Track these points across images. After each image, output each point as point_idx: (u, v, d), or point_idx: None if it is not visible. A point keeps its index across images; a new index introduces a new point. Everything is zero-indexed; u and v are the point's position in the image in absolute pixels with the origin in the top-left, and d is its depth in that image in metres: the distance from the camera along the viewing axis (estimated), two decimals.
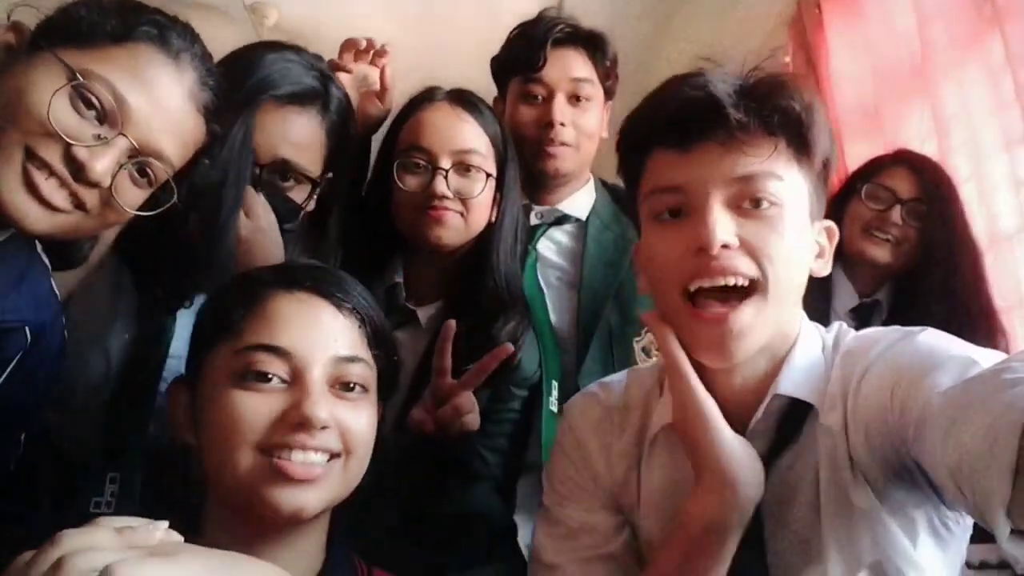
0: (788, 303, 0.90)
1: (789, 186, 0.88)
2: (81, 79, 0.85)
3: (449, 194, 1.32)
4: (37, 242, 0.95)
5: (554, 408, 1.41)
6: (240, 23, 3.08)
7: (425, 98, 1.40)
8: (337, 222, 1.35)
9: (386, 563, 0.99)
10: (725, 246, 0.84)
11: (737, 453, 0.86)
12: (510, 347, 1.23)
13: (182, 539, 0.63)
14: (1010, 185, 1.75)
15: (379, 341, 0.96)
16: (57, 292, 0.99)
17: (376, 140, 1.50)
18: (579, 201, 1.70)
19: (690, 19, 2.99)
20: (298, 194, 1.25)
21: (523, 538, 1.45)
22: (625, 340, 1.53)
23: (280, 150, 1.20)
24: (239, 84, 1.15)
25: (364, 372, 0.92)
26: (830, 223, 0.96)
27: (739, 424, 0.90)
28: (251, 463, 0.83)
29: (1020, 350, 0.77)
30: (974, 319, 1.61)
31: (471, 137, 1.36)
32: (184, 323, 1.16)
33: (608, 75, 1.67)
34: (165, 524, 0.62)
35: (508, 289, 1.39)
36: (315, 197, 1.26)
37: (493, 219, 1.40)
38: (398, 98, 1.52)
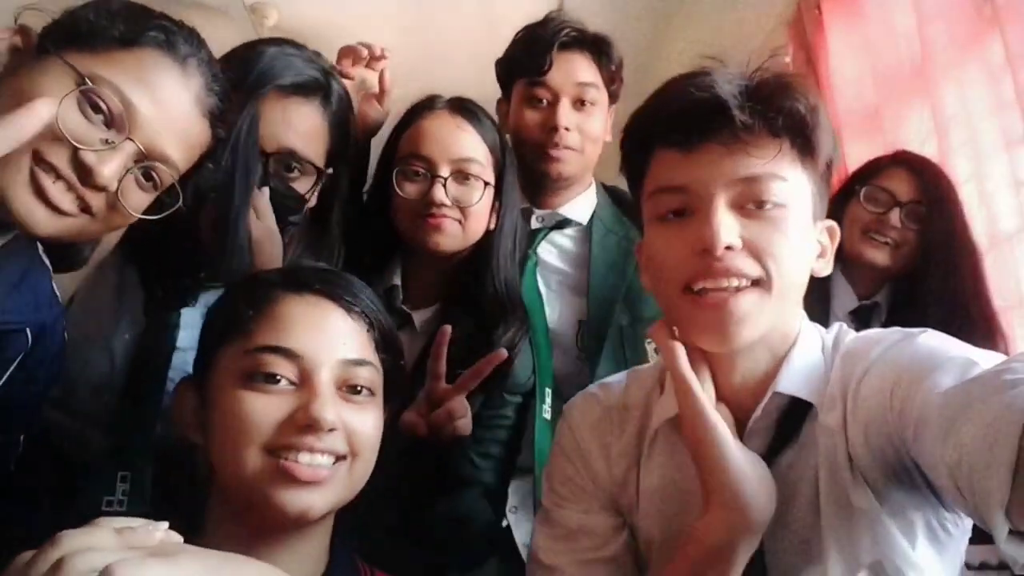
0: (790, 301, 0.90)
1: (793, 187, 0.88)
2: (89, 84, 0.86)
3: (447, 202, 1.33)
4: (39, 244, 0.95)
5: (547, 416, 1.42)
6: (240, 23, 3.08)
7: (425, 106, 1.41)
8: (338, 220, 1.35)
9: (387, 564, 0.99)
10: (729, 247, 0.84)
11: (748, 476, 0.84)
12: (504, 353, 1.24)
13: (182, 540, 0.63)
14: (1010, 185, 1.74)
15: (386, 345, 0.96)
16: (58, 293, 0.99)
17: (376, 143, 1.50)
18: (581, 205, 1.70)
19: (689, 20, 2.99)
20: (302, 185, 1.26)
21: (520, 537, 1.46)
22: (637, 340, 1.54)
23: (286, 139, 1.22)
24: (242, 77, 1.16)
25: (371, 375, 0.92)
26: (832, 223, 0.97)
27: (739, 422, 0.90)
28: (258, 464, 0.84)
29: (1020, 351, 0.76)
30: (973, 321, 1.60)
31: (470, 146, 1.37)
32: (189, 320, 1.17)
33: (613, 79, 1.66)
34: (165, 525, 0.63)
35: (508, 295, 1.40)
36: (318, 189, 1.27)
37: (492, 226, 1.41)
38: (396, 101, 1.53)
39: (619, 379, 1.11)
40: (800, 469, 0.90)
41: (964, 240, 1.67)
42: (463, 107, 1.41)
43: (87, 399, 1.13)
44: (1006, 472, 0.62)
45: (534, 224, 1.67)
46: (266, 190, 1.20)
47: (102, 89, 0.87)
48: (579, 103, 1.62)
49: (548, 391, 1.44)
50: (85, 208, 0.88)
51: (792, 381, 0.90)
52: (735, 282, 0.85)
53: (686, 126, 0.88)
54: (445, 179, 1.34)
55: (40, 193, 0.84)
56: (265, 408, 0.85)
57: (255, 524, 0.86)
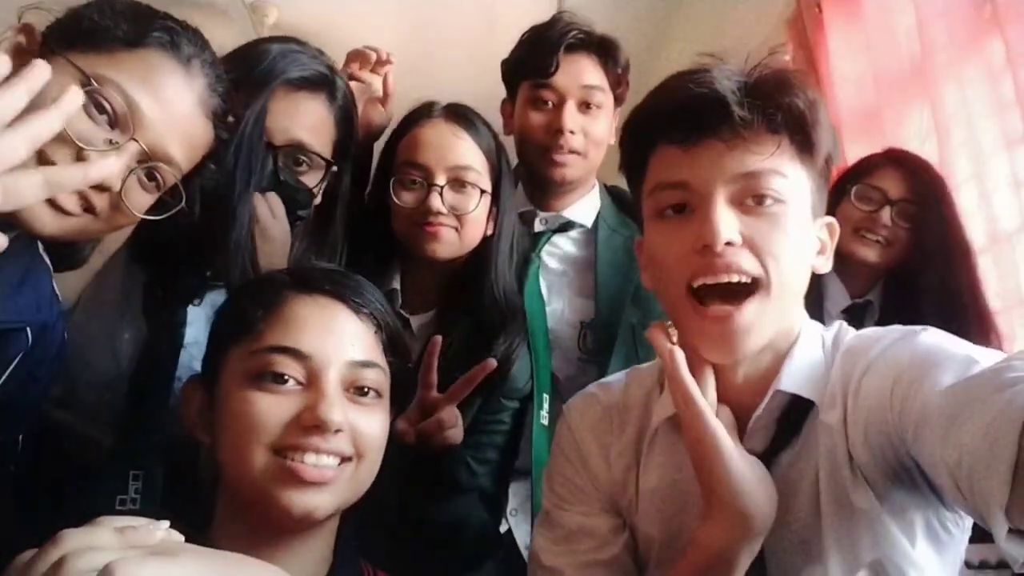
0: (790, 299, 0.90)
1: (792, 183, 0.88)
2: (95, 84, 0.86)
3: (444, 210, 1.34)
4: (39, 243, 0.95)
5: (544, 422, 1.42)
6: (240, 22, 3.08)
7: (422, 114, 1.41)
8: (341, 218, 1.36)
9: (391, 565, 0.99)
10: (729, 243, 0.84)
11: (749, 482, 0.84)
12: (494, 362, 1.24)
13: (183, 539, 0.63)
14: (1010, 185, 1.74)
15: (394, 347, 0.97)
16: (59, 293, 0.99)
17: (378, 147, 1.50)
18: (585, 207, 1.69)
19: (689, 20, 2.99)
20: (311, 179, 1.27)
21: (521, 539, 1.46)
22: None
23: (294, 132, 1.23)
24: (247, 73, 1.17)
25: (378, 377, 0.93)
26: (831, 219, 0.97)
27: (740, 421, 0.90)
28: (264, 463, 0.84)
29: (1021, 349, 0.76)
30: (968, 318, 1.61)
31: (466, 154, 1.37)
32: (193, 317, 1.18)
33: (619, 82, 1.66)
34: (166, 524, 0.63)
35: (506, 302, 1.40)
36: (324, 184, 1.28)
37: (489, 232, 1.42)
38: (394, 104, 1.53)
39: (618, 378, 1.11)
40: (801, 468, 0.90)
41: (957, 237, 1.67)
42: (459, 114, 1.41)
43: (94, 399, 1.13)
44: (1006, 471, 0.62)
45: (538, 227, 1.67)
46: (274, 194, 1.21)
47: (107, 90, 0.87)
48: (584, 106, 1.61)
49: (546, 397, 1.44)
50: (88, 208, 0.88)
51: (793, 379, 0.90)
52: (735, 278, 0.85)
53: (685, 123, 0.88)
54: (441, 187, 1.34)
55: None
56: (272, 408, 0.85)
57: (261, 524, 0.86)
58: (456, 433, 1.23)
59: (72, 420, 1.12)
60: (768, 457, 0.90)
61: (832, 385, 0.90)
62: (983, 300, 1.65)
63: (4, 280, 0.90)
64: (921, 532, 0.85)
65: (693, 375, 0.92)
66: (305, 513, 0.84)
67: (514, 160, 1.62)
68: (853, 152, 2.18)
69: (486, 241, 1.42)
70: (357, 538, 0.97)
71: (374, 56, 1.52)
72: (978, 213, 1.80)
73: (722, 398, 0.91)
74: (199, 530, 0.70)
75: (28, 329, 0.92)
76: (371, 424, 0.90)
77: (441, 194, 1.34)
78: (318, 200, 1.30)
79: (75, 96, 0.80)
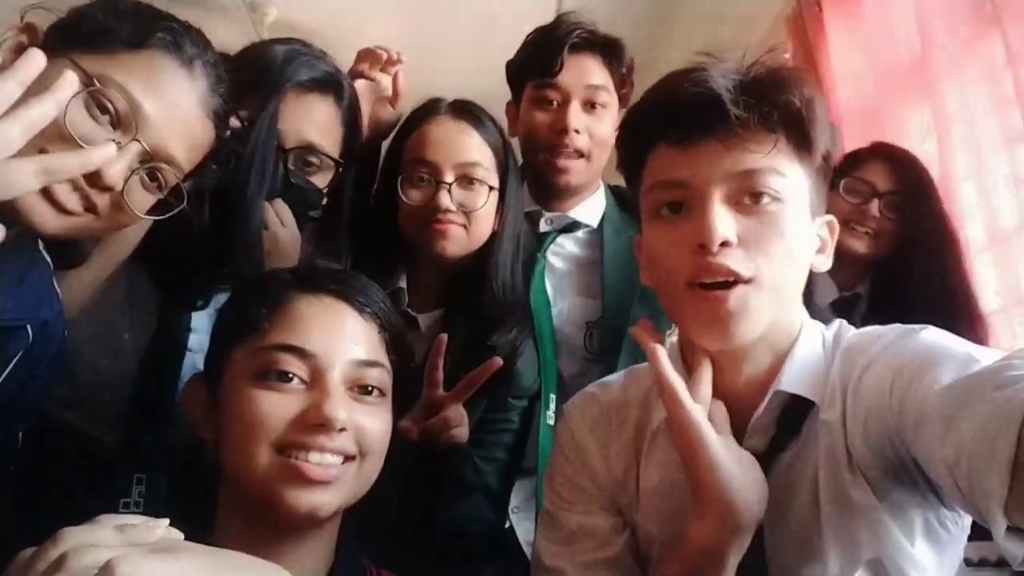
0: (787, 297, 0.90)
1: (790, 182, 0.88)
2: (98, 85, 0.86)
3: (452, 207, 1.33)
4: (39, 240, 0.96)
5: (551, 422, 1.42)
6: (240, 21, 3.09)
7: (428, 111, 1.40)
8: (347, 219, 1.37)
9: (395, 564, 0.99)
10: (725, 243, 0.84)
11: (735, 479, 0.83)
12: (499, 361, 1.23)
13: (182, 536, 0.63)
14: (1010, 183, 1.75)
15: (397, 346, 0.97)
16: (59, 290, 1.00)
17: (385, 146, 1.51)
18: (591, 207, 1.69)
19: (689, 19, 3.00)
20: (321, 179, 1.28)
21: (522, 536, 1.46)
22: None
23: (306, 134, 1.24)
24: (258, 76, 1.18)
25: (382, 376, 0.93)
26: (831, 217, 0.96)
27: (741, 420, 0.90)
28: (268, 462, 0.84)
29: (1021, 347, 0.76)
30: (955, 309, 1.63)
31: (474, 150, 1.37)
32: (199, 324, 1.18)
33: (624, 82, 1.65)
34: (166, 522, 0.63)
35: (506, 298, 1.39)
36: (334, 184, 1.29)
37: (495, 229, 1.41)
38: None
39: (618, 378, 1.11)
40: (801, 466, 0.90)
41: (943, 229, 1.70)
42: (466, 110, 1.41)
43: (95, 399, 1.13)
44: (1005, 468, 0.62)
45: (543, 227, 1.66)
46: (281, 201, 1.22)
47: (109, 90, 0.87)
48: (589, 106, 1.60)
49: (552, 396, 1.44)
50: (90, 207, 0.88)
51: (793, 380, 0.90)
52: (732, 278, 0.85)
53: (682, 122, 0.88)
54: (450, 184, 1.33)
55: (46, 192, 0.85)
56: (277, 406, 0.85)
57: (264, 522, 0.86)
58: (462, 432, 1.22)
59: (73, 419, 1.12)
60: (769, 456, 0.90)
61: (832, 383, 0.90)
62: (970, 290, 1.67)
63: (4, 278, 0.90)
64: (920, 530, 0.85)
65: (691, 369, 0.92)
66: (309, 511, 0.84)
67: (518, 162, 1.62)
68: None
69: (492, 238, 1.41)
70: (359, 537, 0.98)
71: (384, 55, 1.51)
72: (978, 211, 1.80)
73: (723, 398, 0.91)
74: (201, 529, 0.70)
75: (28, 327, 0.92)
76: (375, 423, 0.91)
77: (450, 191, 1.33)
78: (325, 200, 1.30)
79: (70, 82, 0.80)
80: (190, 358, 1.16)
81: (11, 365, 0.91)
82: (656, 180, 0.91)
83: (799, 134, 0.87)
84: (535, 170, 1.64)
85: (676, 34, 3.07)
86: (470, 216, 1.35)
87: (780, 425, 0.91)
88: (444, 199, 1.32)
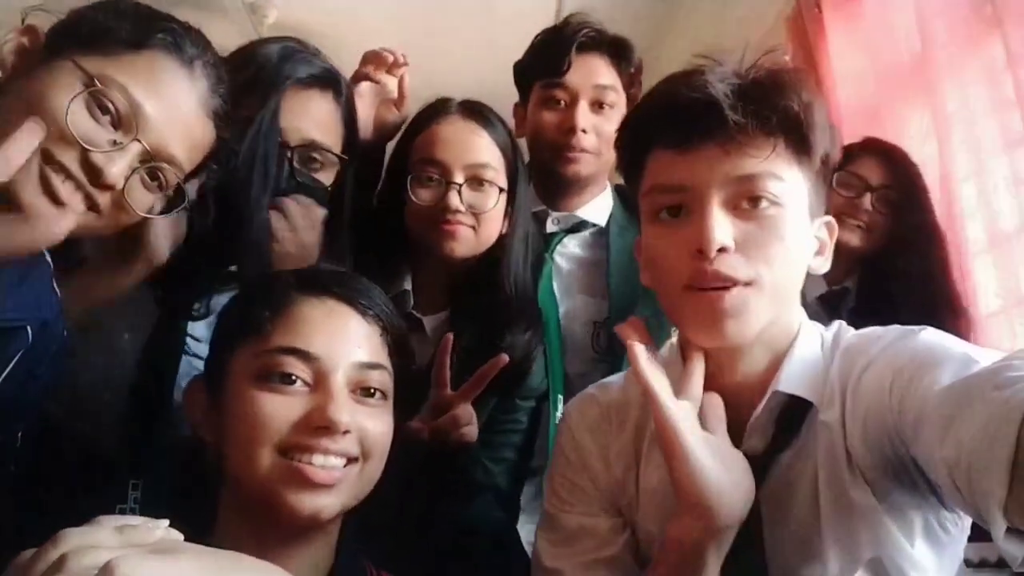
0: (785, 299, 0.90)
1: (788, 185, 0.88)
2: (99, 85, 0.87)
3: (462, 208, 1.32)
4: None
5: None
6: (240, 22, 3.09)
7: (437, 110, 1.40)
8: (349, 221, 1.36)
9: (395, 565, 0.99)
10: (722, 249, 0.84)
11: (715, 478, 0.82)
12: (506, 357, 1.22)
13: (182, 537, 0.63)
14: (1010, 185, 1.75)
15: (399, 349, 0.97)
16: (58, 291, 1.00)
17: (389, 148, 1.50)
18: (598, 206, 1.69)
19: (689, 19, 3.00)
20: (325, 177, 1.27)
21: (526, 536, 1.45)
22: (664, 333, 1.54)
23: (308, 131, 1.23)
24: (255, 75, 1.18)
25: (384, 379, 0.93)
26: (830, 218, 0.96)
27: (740, 420, 0.90)
28: (271, 464, 0.84)
29: (1020, 348, 0.76)
30: (939, 303, 1.65)
31: (484, 151, 1.36)
32: (200, 333, 1.17)
33: (632, 82, 1.65)
34: (165, 522, 0.63)
35: (520, 299, 1.39)
36: (336, 183, 1.29)
37: (504, 230, 1.41)
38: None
39: (618, 378, 1.11)
40: (800, 466, 0.90)
41: (930, 223, 1.74)
42: (476, 111, 1.40)
43: (97, 401, 1.13)
44: (1004, 469, 0.62)
45: (550, 227, 1.66)
46: (293, 203, 1.21)
47: (110, 90, 0.88)
48: (597, 105, 1.60)
49: (560, 397, 1.44)
50: (92, 207, 0.89)
51: (792, 380, 0.90)
52: (730, 284, 0.85)
53: (680, 127, 0.88)
54: (460, 185, 1.33)
55: (49, 192, 0.86)
56: (280, 408, 0.85)
57: (265, 525, 0.86)
58: (471, 431, 1.22)
59: (71, 420, 1.12)
60: (768, 456, 0.90)
61: (831, 384, 0.90)
62: (954, 287, 1.70)
63: (4, 278, 0.90)
64: (920, 531, 0.85)
65: (685, 366, 0.92)
66: (312, 514, 0.84)
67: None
68: None
69: (500, 239, 1.40)
70: (359, 537, 0.98)
71: (390, 58, 1.51)
72: (978, 213, 1.80)
73: (721, 396, 0.91)
74: (201, 531, 0.70)
75: (29, 327, 0.93)
76: (377, 425, 0.91)
77: (459, 192, 1.32)
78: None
79: (31, 130, 0.81)
80: (187, 362, 1.16)
81: (11, 365, 0.92)
82: (655, 183, 0.91)
83: (798, 138, 0.87)
84: (542, 168, 1.64)
85: (675, 35, 3.07)
86: (479, 217, 1.34)
87: (779, 425, 0.91)
88: (454, 200, 1.32)
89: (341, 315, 0.93)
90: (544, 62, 1.61)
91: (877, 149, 1.81)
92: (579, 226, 1.68)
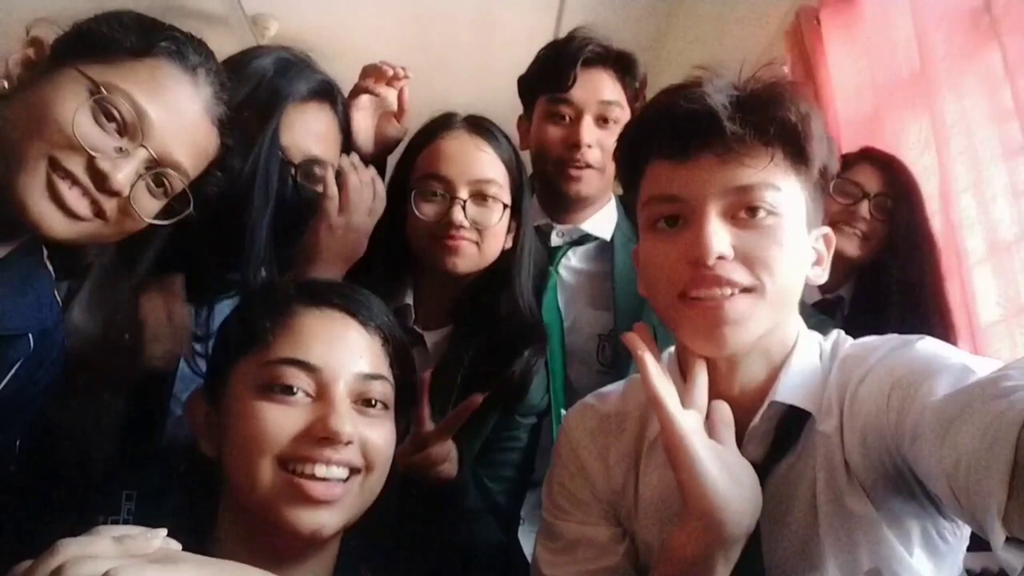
0: (784, 308, 0.90)
1: (786, 196, 0.88)
2: (104, 93, 0.89)
3: (466, 224, 1.31)
4: (43, 249, 0.97)
5: None
6: (241, 34, 3.11)
7: (442, 125, 1.39)
8: None
9: None
10: (720, 257, 0.85)
11: (724, 489, 0.81)
12: (479, 398, 1.18)
13: (180, 547, 0.63)
14: (1009, 195, 1.75)
15: (400, 360, 0.98)
16: (59, 300, 1.00)
17: (391, 161, 1.50)
18: (602, 220, 1.69)
19: (687, 30, 3.01)
20: None
21: (528, 547, 1.45)
22: (668, 342, 1.53)
23: (309, 147, 1.25)
24: (253, 90, 1.19)
25: (385, 389, 0.93)
26: (827, 230, 0.96)
27: (739, 428, 0.90)
28: (272, 477, 0.84)
29: (1018, 358, 0.76)
30: (930, 312, 1.66)
31: (489, 167, 1.36)
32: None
33: (637, 97, 1.65)
34: (163, 532, 0.63)
35: (531, 315, 1.38)
36: None
37: (509, 246, 1.40)
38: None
39: (616, 387, 1.11)
40: (799, 475, 0.90)
41: (925, 231, 1.74)
42: (481, 126, 1.39)
43: (90, 402, 1.13)
44: (1002, 477, 0.62)
45: (555, 240, 1.66)
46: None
47: (116, 98, 0.89)
48: (602, 120, 1.60)
49: (563, 412, 1.42)
50: (99, 213, 0.91)
51: (790, 390, 0.90)
52: (727, 291, 0.85)
53: (677, 138, 0.88)
54: (464, 201, 1.32)
55: (56, 198, 0.87)
56: (281, 419, 0.85)
57: (264, 538, 0.86)
58: (449, 468, 1.20)
59: (69, 423, 1.12)
60: (766, 465, 0.90)
61: (829, 394, 0.90)
62: (944, 295, 1.70)
63: (8, 285, 0.91)
64: (918, 541, 0.85)
65: (684, 375, 0.92)
66: (313, 531, 0.84)
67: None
68: None
69: (504, 255, 1.40)
70: (359, 550, 0.97)
71: (390, 71, 1.51)
72: (977, 222, 1.80)
73: None
74: (200, 540, 0.69)
75: (30, 334, 0.93)
76: (379, 435, 0.90)
77: (464, 208, 1.32)
78: None
79: None
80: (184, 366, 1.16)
81: (12, 371, 0.92)
82: (652, 194, 0.92)
83: (795, 148, 0.88)
84: (545, 182, 1.64)
85: (676, 37, 3.07)
86: (483, 233, 1.34)
87: (777, 435, 0.92)
88: (458, 215, 1.31)
89: (342, 326, 0.93)
90: (549, 77, 1.61)
91: (874, 157, 1.83)
92: (583, 239, 1.68)
